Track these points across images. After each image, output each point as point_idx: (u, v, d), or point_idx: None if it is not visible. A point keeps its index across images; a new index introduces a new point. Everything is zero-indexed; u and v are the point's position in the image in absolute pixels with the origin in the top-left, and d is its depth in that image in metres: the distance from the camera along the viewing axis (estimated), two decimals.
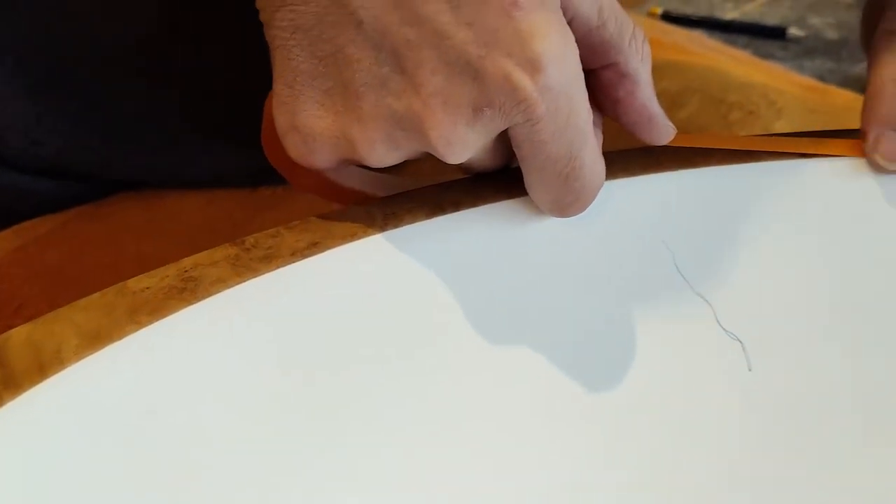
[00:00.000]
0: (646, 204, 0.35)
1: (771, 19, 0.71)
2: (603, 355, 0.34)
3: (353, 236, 0.33)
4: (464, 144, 0.30)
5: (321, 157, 0.32)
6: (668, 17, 0.70)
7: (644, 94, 0.33)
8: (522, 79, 0.28)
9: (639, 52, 0.33)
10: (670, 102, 0.59)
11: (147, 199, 0.51)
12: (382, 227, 0.34)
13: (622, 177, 0.35)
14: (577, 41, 0.30)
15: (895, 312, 0.35)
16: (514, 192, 0.34)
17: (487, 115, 0.29)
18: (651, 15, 0.71)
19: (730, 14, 0.71)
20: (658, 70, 0.62)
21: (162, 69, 0.47)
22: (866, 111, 0.36)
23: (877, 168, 0.36)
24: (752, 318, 0.34)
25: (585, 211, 0.34)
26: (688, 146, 0.36)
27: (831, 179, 0.36)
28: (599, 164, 0.32)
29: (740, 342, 0.34)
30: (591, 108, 0.32)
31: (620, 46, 0.32)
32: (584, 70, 0.31)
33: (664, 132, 0.34)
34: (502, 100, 0.29)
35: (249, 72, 0.38)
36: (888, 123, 0.35)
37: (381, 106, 0.30)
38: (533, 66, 0.28)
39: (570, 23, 0.31)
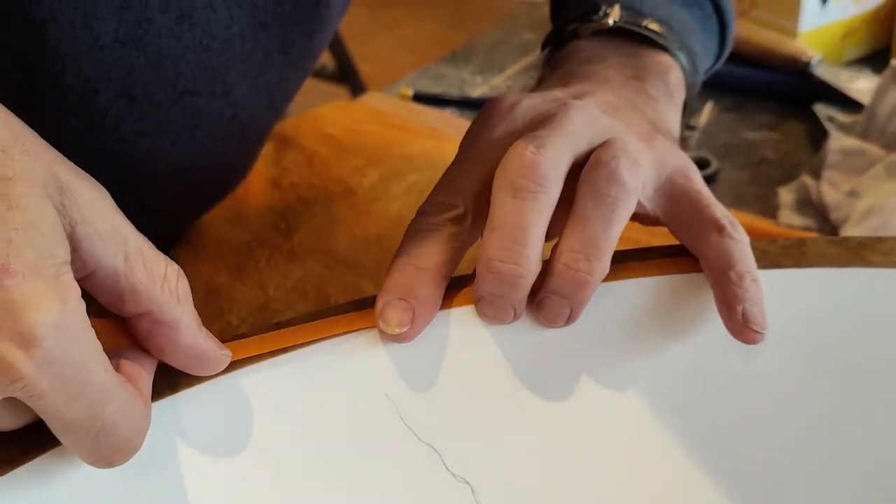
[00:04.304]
0: (367, 357, 0.35)
1: None
2: None
3: None
4: None
5: None
6: (419, 98, 0.71)
7: (187, 336, 0.31)
8: (16, 356, 0.26)
9: (174, 294, 0.31)
10: (420, 197, 0.60)
11: None
12: None
13: (342, 334, 0.35)
14: (104, 291, 0.29)
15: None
16: None
17: None
18: (402, 97, 0.72)
19: (479, 89, 0.73)
20: (408, 161, 0.63)
21: None
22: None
23: (385, 337, 0.35)
24: (478, 462, 0.35)
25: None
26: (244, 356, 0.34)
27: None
28: (135, 412, 0.29)
29: (469, 485, 0.35)
30: (139, 351, 0.31)
31: (152, 293, 0.30)
32: (123, 317, 0.30)
33: (218, 362, 0.33)
34: None
35: None
36: (396, 292, 0.35)
37: None
38: (27, 341, 0.26)
39: (93, 274, 0.29)
